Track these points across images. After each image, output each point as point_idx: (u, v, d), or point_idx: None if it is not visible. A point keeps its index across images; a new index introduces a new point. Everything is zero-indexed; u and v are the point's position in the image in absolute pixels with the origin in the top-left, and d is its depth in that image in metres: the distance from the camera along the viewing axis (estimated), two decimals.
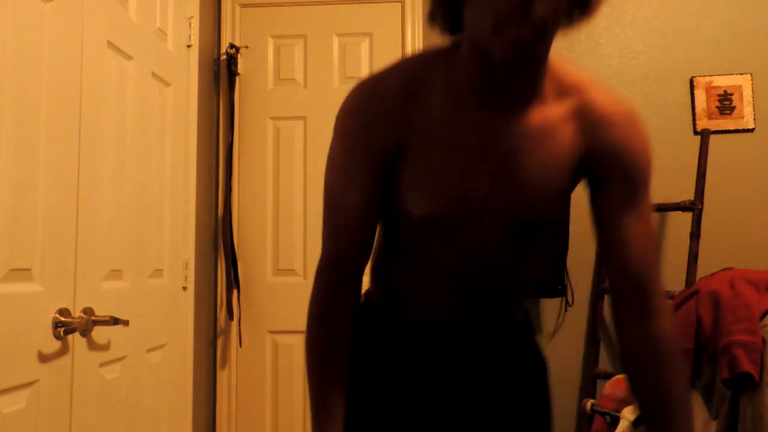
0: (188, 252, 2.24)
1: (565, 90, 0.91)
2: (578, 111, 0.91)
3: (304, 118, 2.73)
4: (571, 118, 0.90)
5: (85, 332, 1.55)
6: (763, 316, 1.71)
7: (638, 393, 0.92)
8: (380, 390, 1.04)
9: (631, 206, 0.91)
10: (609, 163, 0.91)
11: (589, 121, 0.90)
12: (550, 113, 0.90)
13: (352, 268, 0.99)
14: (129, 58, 1.83)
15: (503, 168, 0.90)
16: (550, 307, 2.71)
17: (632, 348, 0.92)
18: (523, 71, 0.86)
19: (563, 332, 2.70)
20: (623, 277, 0.92)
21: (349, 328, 0.99)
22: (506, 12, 0.77)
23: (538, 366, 1.12)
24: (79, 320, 1.49)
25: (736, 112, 2.67)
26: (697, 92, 2.69)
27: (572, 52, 2.76)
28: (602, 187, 0.93)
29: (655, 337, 0.91)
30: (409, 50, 2.76)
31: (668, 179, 2.68)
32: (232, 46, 2.72)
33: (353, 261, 0.98)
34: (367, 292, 1.11)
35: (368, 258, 1.00)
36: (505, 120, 0.89)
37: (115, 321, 1.57)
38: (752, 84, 2.67)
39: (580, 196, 2.69)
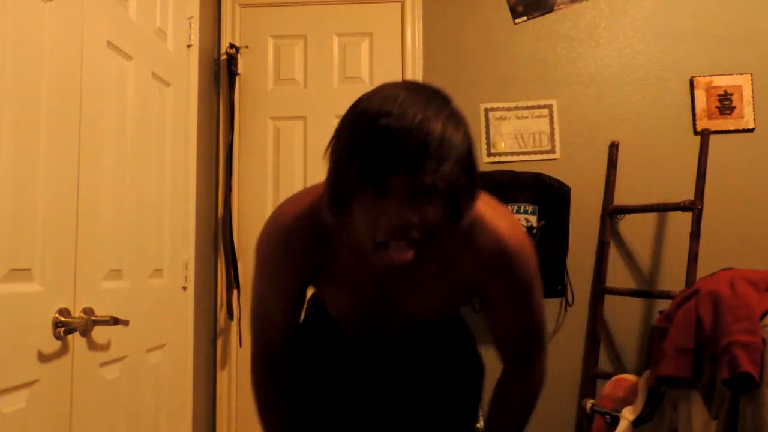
0: (188, 252, 2.24)
1: (452, 234, 1.02)
2: (459, 249, 1.05)
3: (304, 118, 2.73)
4: (453, 256, 1.06)
5: (85, 332, 1.55)
6: (763, 316, 1.71)
7: (489, 421, 1.22)
8: (326, 362, 1.33)
9: (508, 309, 1.14)
10: (490, 288, 1.11)
11: (469, 258, 1.06)
12: (441, 255, 1.05)
13: (280, 353, 1.24)
14: (129, 58, 1.83)
15: (394, 296, 1.11)
16: (550, 307, 2.71)
17: (498, 392, 1.27)
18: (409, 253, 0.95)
19: (563, 332, 2.70)
20: (500, 350, 1.25)
21: (286, 394, 1.25)
22: (383, 238, 0.88)
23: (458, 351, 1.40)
24: (79, 320, 1.49)
25: (736, 112, 2.67)
26: (697, 92, 2.69)
27: (572, 53, 2.77)
28: (487, 299, 1.15)
29: (512, 391, 1.25)
30: (409, 50, 2.76)
31: (668, 179, 2.69)
32: (232, 46, 2.72)
33: (281, 349, 1.24)
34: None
35: (293, 335, 1.25)
36: (392, 269, 0.99)
37: (115, 321, 1.57)
38: (752, 84, 2.67)
39: (580, 196, 2.69)
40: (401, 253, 0.89)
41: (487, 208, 1.06)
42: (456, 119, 0.89)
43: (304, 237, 1.07)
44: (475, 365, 1.43)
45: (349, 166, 0.85)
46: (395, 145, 0.82)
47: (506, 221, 1.08)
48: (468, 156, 0.89)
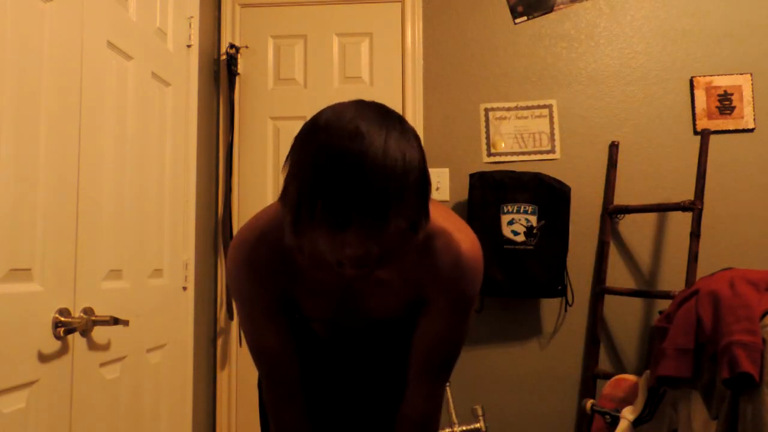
0: (188, 252, 2.24)
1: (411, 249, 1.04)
2: (419, 257, 1.10)
3: (304, 118, 2.73)
4: (412, 263, 1.10)
5: (85, 332, 1.55)
6: (763, 316, 1.71)
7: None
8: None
9: (442, 319, 1.16)
10: (431, 294, 1.15)
11: (423, 267, 1.11)
12: (401, 265, 1.09)
13: (288, 374, 1.23)
14: (129, 58, 1.83)
15: (357, 301, 1.17)
16: (550, 307, 2.71)
17: (404, 405, 1.23)
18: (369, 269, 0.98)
19: (563, 332, 2.70)
20: (415, 353, 1.21)
21: (299, 410, 1.24)
22: (344, 262, 0.92)
23: None
24: (79, 320, 1.49)
25: (736, 112, 2.67)
26: (697, 92, 2.69)
27: (572, 53, 2.77)
28: (428, 305, 1.17)
29: (411, 415, 1.21)
30: (409, 50, 2.76)
31: (668, 179, 2.69)
32: (232, 46, 2.73)
33: (287, 371, 1.22)
34: None
35: (297, 362, 1.24)
36: (352, 279, 1.04)
37: (115, 321, 1.57)
38: (752, 84, 2.67)
39: (581, 196, 2.69)
40: (360, 271, 0.94)
41: (446, 221, 1.12)
42: (411, 140, 0.90)
43: (266, 257, 1.11)
44: None
45: (310, 204, 0.86)
46: (356, 188, 0.83)
47: (465, 235, 1.13)
48: (422, 177, 0.91)
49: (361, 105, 0.92)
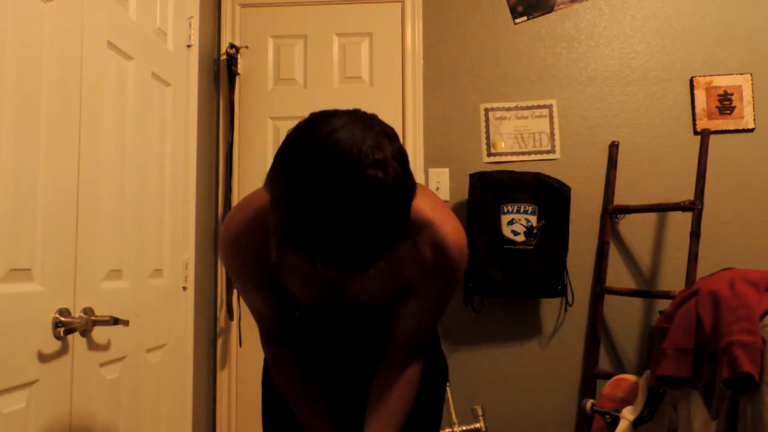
0: (188, 252, 2.24)
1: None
2: (413, 246, 1.13)
3: (303, 118, 2.73)
4: (396, 253, 1.10)
5: (85, 332, 1.55)
6: (763, 316, 1.71)
7: (371, 413, 1.24)
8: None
9: (422, 306, 1.21)
10: (415, 283, 1.18)
11: (409, 256, 1.14)
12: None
13: (280, 335, 1.30)
14: (129, 58, 1.83)
15: (341, 287, 1.20)
16: (550, 307, 2.71)
17: (379, 381, 1.26)
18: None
19: (563, 332, 2.70)
20: (396, 334, 1.25)
21: (296, 363, 1.30)
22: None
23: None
24: (79, 320, 1.49)
25: (736, 112, 2.67)
26: (697, 92, 2.69)
27: (572, 53, 2.77)
28: (409, 292, 1.21)
29: (395, 381, 1.25)
30: (409, 50, 2.76)
31: (668, 179, 2.69)
32: (232, 46, 2.73)
33: (279, 331, 1.30)
34: None
35: (290, 319, 1.31)
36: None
37: (115, 321, 1.57)
38: (752, 84, 2.67)
39: (581, 196, 2.69)
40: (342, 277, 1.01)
41: (432, 212, 1.14)
42: (398, 168, 0.90)
43: (254, 237, 1.15)
44: (438, 363, 1.47)
45: (293, 244, 0.89)
46: (339, 243, 0.87)
47: (451, 226, 1.15)
48: (405, 205, 0.91)
49: (351, 126, 0.90)
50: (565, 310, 2.70)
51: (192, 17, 2.30)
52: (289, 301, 1.30)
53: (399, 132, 2.71)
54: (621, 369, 2.65)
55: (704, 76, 2.69)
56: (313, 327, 1.41)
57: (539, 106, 2.75)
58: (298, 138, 0.91)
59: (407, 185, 0.92)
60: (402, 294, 1.22)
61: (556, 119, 2.74)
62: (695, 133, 2.68)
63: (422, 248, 1.13)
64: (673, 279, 2.63)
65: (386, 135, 0.92)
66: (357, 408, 1.36)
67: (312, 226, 0.87)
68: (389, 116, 2.72)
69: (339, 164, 0.86)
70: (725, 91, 2.68)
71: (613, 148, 2.69)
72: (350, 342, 1.42)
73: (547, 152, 2.74)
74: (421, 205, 1.12)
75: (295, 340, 1.32)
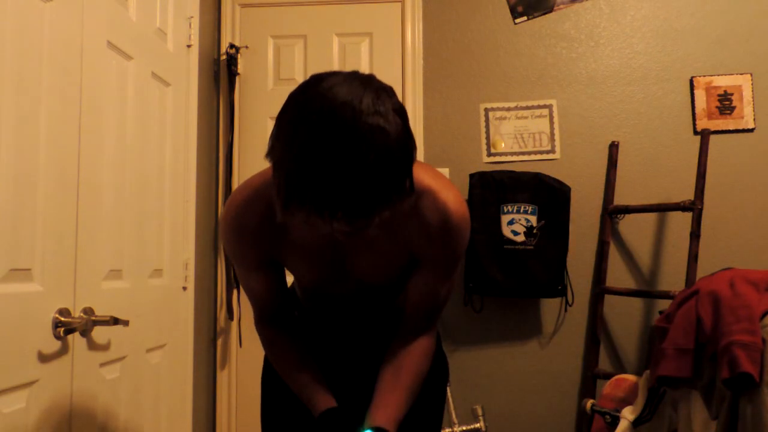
0: (188, 252, 2.24)
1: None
2: (406, 215, 1.14)
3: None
4: (400, 221, 1.14)
5: (85, 332, 1.55)
6: (763, 316, 1.71)
7: (383, 377, 1.23)
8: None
9: (431, 275, 1.22)
10: (422, 253, 1.19)
11: (413, 224, 1.15)
12: (390, 223, 1.11)
13: (276, 317, 1.31)
14: (129, 58, 1.83)
15: (346, 260, 1.20)
16: (550, 307, 2.71)
17: (392, 352, 1.26)
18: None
19: (563, 332, 2.70)
20: (409, 306, 1.27)
21: (290, 343, 1.29)
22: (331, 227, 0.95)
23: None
24: (79, 320, 1.49)
25: (736, 112, 2.67)
26: (697, 92, 2.69)
27: (572, 53, 2.77)
28: (419, 262, 1.22)
29: (407, 350, 1.25)
30: (409, 50, 2.76)
31: (668, 179, 2.69)
32: (232, 46, 2.73)
33: (274, 314, 1.31)
34: (293, 284, 1.45)
35: (286, 303, 1.32)
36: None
37: (115, 321, 1.57)
38: (752, 84, 2.67)
39: (581, 196, 2.69)
40: (347, 236, 1.01)
41: (432, 180, 1.16)
42: (398, 122, 0.91)
43: (254, 217, 1.16)
44: (439, 363, 1.45)
45: (299, 200, 0.89)
46: (343, 192, 0.87)
47: (452, 193, 1.17)
48: (407, 159, 0.93)
49: (349, 85, 0.92)
50: (565, 310, 2.70)
51: (192, 17, 2.30)
52: (285, 290, 1.31)
53: None
54: (621, 369, 2.65)
55: (704, 76, 2.70)
56: (314, 319, 1.40)
57: (539, 106, 2.75)
58: (298, 97, 0.93)
59: (408, 136, 0.93)
60: (407, 271, 1.23)
61: (556, 119, 2.74)
62: (695, 133, 2.68)
63: (425, 214, 1.15)
64: (673, 279, 2.63)
65: (385, 90, 0.93)
66: (357, 395, 1.35)
67: (316, 177, 0.87)
68: None
69: (340, 115, 0.87)
70: (725, 91, 2.68)
71: (613, 148, 2.69)
72: (352, 334, 1.41)
73: (547, 152, 2.74)
74: (421, 173, 1.13)
75: (291, 324, 1.32)
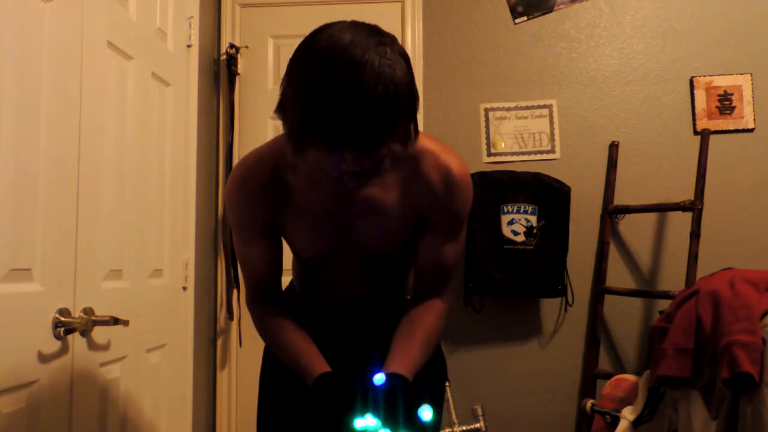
0: (188, 252, 2.24)
1: (402, 158, 1.16)
2: (409, 176, 1.19)
3: None
4: (404, 182, 1.19)
5: (85, 332, 1.55)
6: (763, 316, 1.71)
7: (397, 332, 1.24)
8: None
9: (437, 237, 1.24)
10: (427, 214, 1.22)
11: (416, 185, 1.19)
12: (387, 181, 1.19)
13: (269, 293, 1.30)
14: (129, 58, 1.83)
15: (350, 227, 1.21)
16: (550, 307, 2.71)
17: (410, 307, 1.28)
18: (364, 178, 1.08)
19: (563, 332, 2.70)
20: (419, 271, 1.29)
21: (282, 316, 1.28)
22: (339, 176, 1.02)
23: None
24: (79, 320, 1.49)
25: (736, 112, 2.67)
26: (697, 92, 2.69)
27: (572, 52, 2.77)
28: (425, 223, 1.24)
29: (422, 311, 1.26)
30: (409, 50, 2.76)
31: (668, 179, 2.69)
32: (232, 46, 2.73)
33: (268, 290, 1.30)
34: (291, 283, 1.47)
35: (280, 279, 1.31)
36: (350, 190, 1.15)
37: (115, 321, 1.57)
38: (752, 84, 2.67)
39: (581, 196, 2.69)
40: (358, 180, 1.05)
41: (434, 143, 1.21)
42: (402, 64, 0.98)
43: (260, 178, 1.19)
44: (436, 361, 1.44)
45: (310, 131, 0.95)
46: (351, 117, 0.92)
47: (453, 155, 1.21)
48: (411, 99, 0.99)
49: (355, 29, 1.00)
50: (565, 310, 2.70)
51: (192, 17, 2.30)
52: (280, 268, 1.31)
53: None
54: (621, 369, 2.65)
55: (704, 76, 2.70)
56: (312, 313, 1.37)
57: (539, 106, 2.75)
58: (307, 42, 1.01)
59: (412, 80, 0.99)
60: (411, 244, 1.25)
61: (556, 119, 2.74)
62: (695, 133, 2.68)
63: (428, 174, 1.18)
64: (673, 279, 2.63)
65: (390, 36, 1.01)
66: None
67: (326, 109, 0.92)
68: None
69: (349, 51, 0.94)
70: (725, 91, 2.68)
71: (613, 148, 2.69)
72: (351, 329, 1.38)
73: (547, 152, 2.74)
74: (422, 137, 1.19)
75: (283, 301, 1.32)
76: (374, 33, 0.99)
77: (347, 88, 0.92)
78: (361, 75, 0.92)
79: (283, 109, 1.00)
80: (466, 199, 1.22)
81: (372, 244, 1.23)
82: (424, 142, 1.20)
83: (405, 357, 1.17)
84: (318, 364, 1.18)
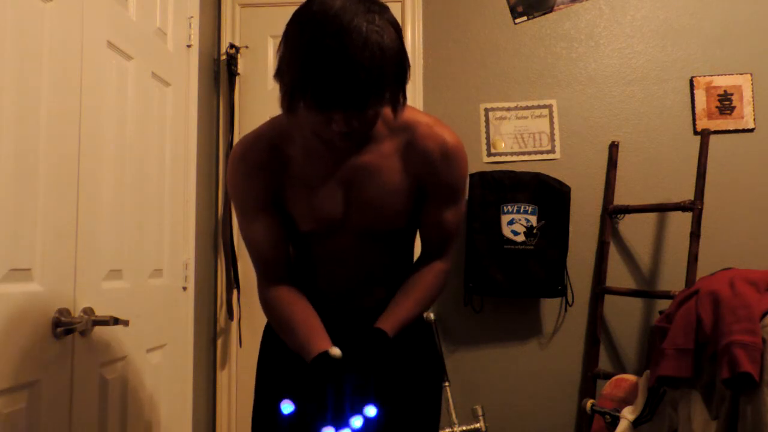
0: (188, 252, 2.24)
1: (396, 129, 1.24)
2: (405, 146, 1.25)
3: None
4: (400, 152, 1.24)
5: (85, 332, 1.55)
6: (763, 316, 1.71)
7: (399, 290, 1.31)
8: None
9: (438, 204, 1.30)
10: (426, 183, 1.27)
11: (413, 154, 1.25)
12: (383, 150, 1.24)
13: (279, 274, 1.32)
14: (129, 58, 1.83)
15: (349, 196, 1.25)
16: (550, 307, 2.71)
17: (414, 269, 1.35)
18: (355, 139, 1.15)
19: (563, 332, 2.70)
20: (422, 237, 1.36)
21: (293, 297, 1.30)
22: (330, 137, 1.11)
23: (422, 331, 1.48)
24: (79, 320, 1.49)
25: (736, 112, 2.67)
26: (697, 92, 2.69)
27: (572, 53, 2.77)
28: (424, 193, 1.30)
29: (423, 270, 1.34)
30: (409, 50, 2.76)
31: (668, 179, 2.69)
32: (232, 46, 2.73)
33: (278, 271, 1.32)
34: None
35: (289, 259, 1.35)
36: (347, 159, 1.23)
37: (115, 321, 1.57)
38: (752, 84, 2.67)
39: (580, 196, 2.69)
40: (346, 142, 1.12)
41: (426, 116, 1.28)
42: (391, 31, 1.03)
43: (259, 152, 1.24)
44: (434, 361, 1.47)
45: (302, 93, 1.01)
46: (339, 81, 0.98)
47: (445, 127, 1.28)
48: (399, 65, 1.04)
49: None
50: (565, 310, 2.70)
51: (192, 17, 2.30)
52: (288, 246, 1.33)
53: None
54: (621, 369, 2.65)
55: (704, 76, 2.70)
56: (317, 280, 1.36)
57: (539, 106, 2.75)
58: (300, 11, 1.07)
59: (402, 46, 1.05)
60: (412, 215, 1.30)
61: (556, 119, 2.74)
62: (695, 133, 2.68)
63: (423, 143, 1.24)
64: (673, 279, 2.63)
65: (379, 5, 1.05)
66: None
67: (316, 70, 0.99)
68: None
69: (339, 17, 1.00)
70: (725, 91, 2.68)
71: (613, 148, 2.69)
72: (355, 301, 1.36)
73: (547, 152, 2.74)
74: (415, 111, 1.26)
75: (293, 281, 1.33)
76: (365, 0, 1.04)
77: (335, 51, 0.98)
78: (348, 40, 0.98)
79: (280, 74, 1.06)
80: (463, 168, 1.29)
81: (371, 214, 1.26)
82: (416, 114, 1.26)
83: (393, 315, 1.24)
84: (320, 345, 1.18)
